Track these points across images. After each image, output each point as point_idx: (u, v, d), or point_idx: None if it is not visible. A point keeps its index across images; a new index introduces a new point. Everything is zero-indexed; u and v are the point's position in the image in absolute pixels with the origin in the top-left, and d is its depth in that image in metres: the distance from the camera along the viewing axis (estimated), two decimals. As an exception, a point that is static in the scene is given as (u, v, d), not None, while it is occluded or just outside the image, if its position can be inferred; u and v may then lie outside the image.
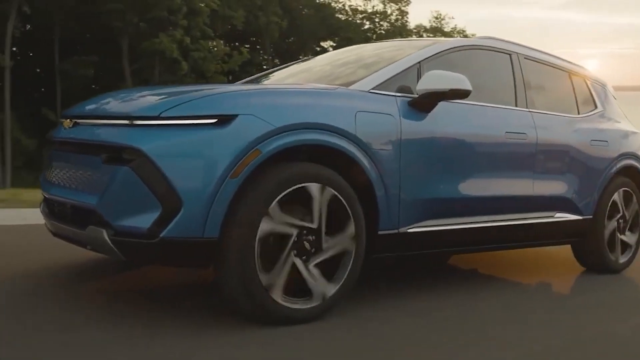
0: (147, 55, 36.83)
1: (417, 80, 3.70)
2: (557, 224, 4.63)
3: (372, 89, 3.53)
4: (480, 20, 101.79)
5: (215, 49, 39.09)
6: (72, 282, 3.81)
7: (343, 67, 4.40)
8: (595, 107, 5.29)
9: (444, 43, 4.16)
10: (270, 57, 49.78)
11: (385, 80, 3.61)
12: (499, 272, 4.96)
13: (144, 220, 2.83)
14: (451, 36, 56.88)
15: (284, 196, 2.94)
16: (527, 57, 4.69)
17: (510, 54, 4.56)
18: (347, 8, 56.61)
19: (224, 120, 2.87)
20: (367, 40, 54.71)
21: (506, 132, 4.17)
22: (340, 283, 3.14)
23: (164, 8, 35.06)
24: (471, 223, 4.00)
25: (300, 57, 54.29)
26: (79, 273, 4.01)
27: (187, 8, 35.43)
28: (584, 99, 5.25)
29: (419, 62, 3.81)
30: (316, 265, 3.06)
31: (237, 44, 45.26)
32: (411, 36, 55.71)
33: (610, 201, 4.99)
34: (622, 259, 5.14)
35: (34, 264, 4.09)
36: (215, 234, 2.82)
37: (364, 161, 3.27)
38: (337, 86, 3.56)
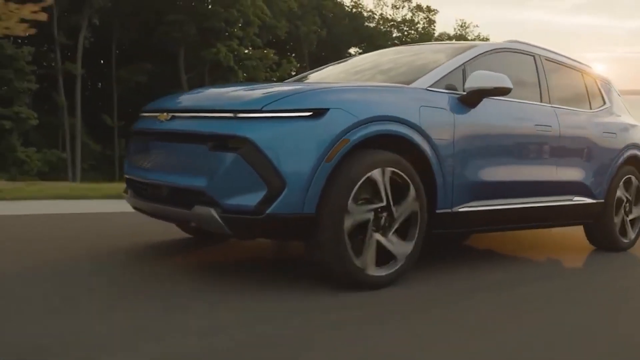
0: (202, 64, 38.78)
1: (463, 79, 4.07)
2: (575, 207, 4.98)
3: (429, 86, 3.88)
4: (490, 23, 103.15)
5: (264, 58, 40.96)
6: (161, 258, 4.03)
7: (393, 67, 4.74)
8: (604, 103, 5.65)
9: (481, 46, 4.54)
10: (306, 65, 51.75)
11: (439, 80, 3.96)
12: (518, 251, 5.27)
13: (251, 199, 3.11)
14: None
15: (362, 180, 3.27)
16: (547, 59, 5.07)
17: (534, 56, 4.94)
18: (376, 17, 58.61)
19: (318, 113, 3.20)
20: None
21: (535, 124, 4.54)
22: (414, 239, 3.49)
23: (222, 19, 36.94)
24: (509, 204, 4.34)
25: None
26: (165, 251, 4.27)
27: (243, 20, 37.36)
28: (594, 96, 5.61)
29: (463, 64, 4.17)
30: (393, 232, 3.40)
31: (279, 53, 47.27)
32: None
33: (618, 187, 5.41)
34: (628, 239, 5.51)
35: (130, 245, 4.36)
36: (312, 210, 3.12)
37: (427, 149, 3.60)
38: (402, 84, 3.88)
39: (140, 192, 3.79)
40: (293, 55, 52.06)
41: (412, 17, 59.36)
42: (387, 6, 64.23)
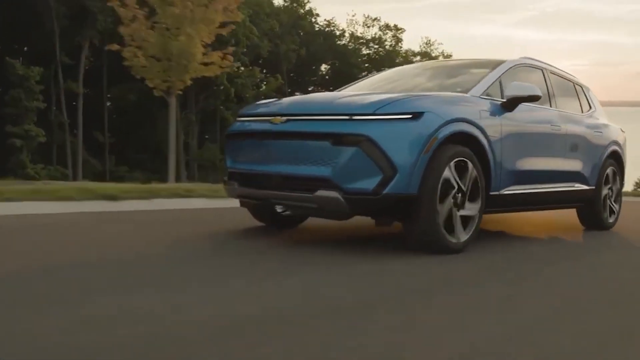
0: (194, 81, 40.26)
1: (500, 89, 4.87)
2: (575, 192, 5.83)
3: (481, 95, 4.65)
4: (443, 36, 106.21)
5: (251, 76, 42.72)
6: (264, 238, 4.46)
7: (444, 79, 5.47)
8: (590, 107, 6.58)
9: (507, 62, 5.32)
10: (284, 82, 53.70)
11: (486, 89, 4.76)
12: (525, 232, 5.93)
13: (369, 183, 3.79)
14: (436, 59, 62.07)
15: (451, 165, 4.01)
16: (551, 72, 5.96)
17: (541, 69, 5.81)
18: (347, 35, 61.09)
19: (417, 115, 3.93)
20: (370, 63, 59.70)
21: (551, 125, 5.41)
22: (480, 198, 4.29)
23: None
24: (536, 188, 5.15)
25: (307, 79, 59.16)
26: (266, 233, 4.71)
27: (234, 40, 39.05)
28: (584, 101, 6.50)
29: (499, 77, 4.99)
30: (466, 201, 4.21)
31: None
32: (402, 59, 60.56)
33: (605, 176, 6.30)
34: (611, 220, 6.49)
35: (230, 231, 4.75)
36: (415, 191, 3.85)
37: (485, 144, 4.37)
38: (462, 93, 4.61)
39: (251, 182, 4.35)
40: (266, 72, 53.93)
41: (381, 35, 62.02)
42: (359, 24, 66.70)
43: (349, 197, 3.81)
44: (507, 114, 4.71)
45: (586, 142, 5.98)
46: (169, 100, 16.44)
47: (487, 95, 4.71)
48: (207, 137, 45.01)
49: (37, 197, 5.50)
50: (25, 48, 32.25)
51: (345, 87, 5.96)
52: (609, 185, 6.41)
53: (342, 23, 61.50)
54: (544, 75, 5.77)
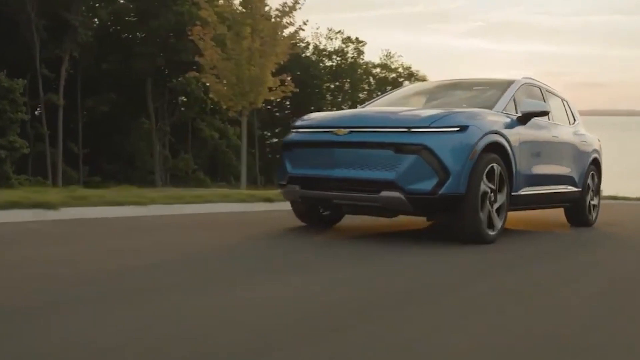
0: (171, 93, 41.04)
1: (515, 105, 5.56)
2: (567, 193, 6.49)
3: (502, 110, 5.36)
4: (395, 46, 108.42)
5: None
6: (315, 235, 5.02)
7: (466, 97, 6.12)
8: (575, 120, 7.29)
9: (517, 82, 5.99)
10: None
11: (505, 105, 5.48)
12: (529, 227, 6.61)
13: (427, 185, 4.42)
14: (398, 71, 64.32)
15: (486, 171, 4.68)
16: (547, 90, 6.63)
17: (539, 87, 6.48)
18: (310, 47, 62.53)
19: (463, 128, 4.59)
20: (332, 75, 61.20)
21: (552, 135, 6.09)
22: (505, 191, 4.99)
23: (190, 53, 39.47)
24: (541, 190, 5.77)
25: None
26: (312, 231, 5.25)
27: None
28: (570, 115, 7.23)
29: (513, 94, 5.69)
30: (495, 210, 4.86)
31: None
32: (362, 71, 62.47)
33: (588, 178, 7.00)
34: (593, 216, 7.26)
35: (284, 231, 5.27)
36: (463, 191, 4.49)
37: (510, 152, 5.04)
38: (488, 109, 5.24)
39: (314, 185, 4.87)
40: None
41: (344, 48, 63.67)
42: (323, 37, 68.19)
43: (410, 196, 4.44)
44: (522, 126, 5.45)
45: (576, 150, 6.76)
46: (240, 119, 19.67)
47: (505, 110, 5.43)
48: (179, 147, 45.66)
49: (208, 200, 6.77)
50: (5, 60, 32.45)
51: (371, 102, 6.70)
52: (591, 188, 7.22)
53: (307, 36, 62.08)
54: (541, 92, 6.52)
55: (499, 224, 4.95)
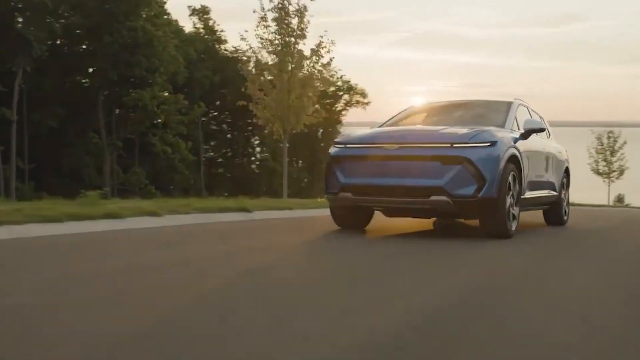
0: (123, 107, 41.06)
1: (516, 123, 6.63)
2: (550, 196, 7.71)
3: (510, 127, 6.44)
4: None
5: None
6: (352, 238, 5.82)
7: (477, 116, 7.11)
8: (549, 134, 8.27)
9: (515, 102, 7.17)
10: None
11: (512, 124, 6.54)
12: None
13: (469, 190, 5.40)
14: (337, 85, 65.83)
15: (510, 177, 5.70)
16: (531, 109, 7.68)
17: (527, 107, 7.55)
18: (252, 61, 63.27)
19: (493, 144, 5.62)
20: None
21: (542, 147, 7.29)
22: (517, 219, 6.03)
23: (144, 67, 39.70)
24: (536, 194, 6.94)
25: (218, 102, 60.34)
26: (349, 234, 6.05)
27: (164, 68, 40.43)
28: (547, 129, 8.07)
29: (515, 114, 6.83)
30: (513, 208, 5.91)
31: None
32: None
33: (563, 184, 8.24)
34: (566, 217, 8.48)
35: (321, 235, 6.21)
36: (496, 195, 5.48)
37: (521, 162, 6.09)
38: (502, 127, 6.28)
39: (366, 192, 5.73)
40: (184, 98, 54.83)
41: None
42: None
43: (455, 200, 5.44)
44: (525, 141, 6.55)
45: (555, 160, 7.99)
46: (283, 142, 23.66)
47: (512, 128, 6.54)
48: (130, 162, 45.51)
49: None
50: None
51: (392, 119, 7.45)
52: (565, 192, 8.48)
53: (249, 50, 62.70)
54: (528, 111, 7.62)
55: (515, 222, 6.09)
